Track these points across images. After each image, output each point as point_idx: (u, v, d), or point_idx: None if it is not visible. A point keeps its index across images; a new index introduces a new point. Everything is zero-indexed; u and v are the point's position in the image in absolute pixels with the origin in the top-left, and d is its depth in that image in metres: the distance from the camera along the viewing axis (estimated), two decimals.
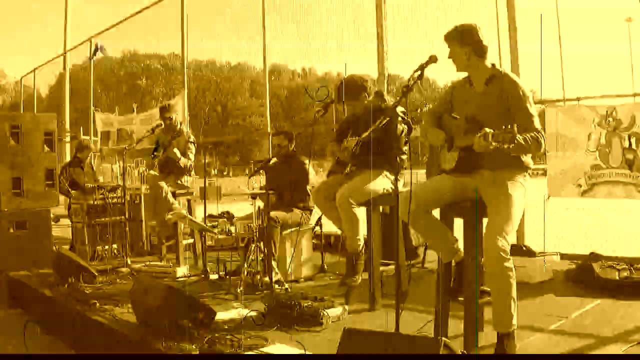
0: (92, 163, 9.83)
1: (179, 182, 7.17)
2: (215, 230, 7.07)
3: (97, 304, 4.75)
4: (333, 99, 5.00)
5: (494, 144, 3.07)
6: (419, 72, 3.35)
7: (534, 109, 3.47)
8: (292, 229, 5.80)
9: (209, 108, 52.01)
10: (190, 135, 7.41)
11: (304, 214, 5.96)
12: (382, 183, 4.71)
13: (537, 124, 3.44)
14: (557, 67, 6.17)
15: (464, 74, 3.78)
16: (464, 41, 3.59)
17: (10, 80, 59.08)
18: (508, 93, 3.47)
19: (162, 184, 6.90)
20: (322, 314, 4.14)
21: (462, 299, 3.57)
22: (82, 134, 14.52)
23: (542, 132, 3.40)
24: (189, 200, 7.29)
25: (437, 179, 3.73)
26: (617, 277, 4.81)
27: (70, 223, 8.43)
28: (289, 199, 6.01)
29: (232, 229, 8.05)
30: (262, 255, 5.44)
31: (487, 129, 3.12)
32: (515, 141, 3.04)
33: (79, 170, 8.74)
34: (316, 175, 6.39)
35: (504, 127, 3.03)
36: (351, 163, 4.82)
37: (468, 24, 3.66)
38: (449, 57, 3.67)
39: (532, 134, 3.32)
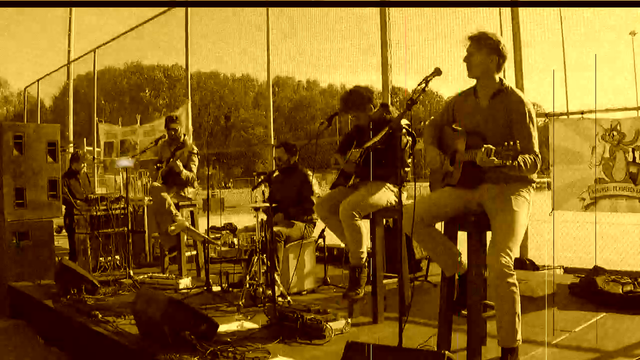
0: (98, 174, 9.87)
1: (182, 193, 7.17)
2: (218, 242, 7.05)
3: (99, 315, 4.75)
4: (338, 110, 4.99)
5: (496, 160, 3.06)
6: (424, 85, 3.33)
7: (535, 131, 3.45)
8: (295, 242, 5.79)
9: (212, 120, 52.10)
10: (193, 146, 7.42)
11: (307, 227, 5.96)
12: (385, 196, 4.69)
13: (536, 146, 3.43)
14: (561, 81, 6.17)
15: (467, 86, 3.76)
16: (495, 50, 3.51)
17: (14, 90, 59.44)
18: (513, 110, 3.45)
19: (165, 195, 6.90)
20: (324, 326, 4.12)
21: (465, 312, 3.56)
22: (85, 145, 14.57)
23: (540, 156, 3.40)
24: (192, 212, 7.30)
25: (441, 192, 3.71)
26: (621, 291, 4.78)
27: (66, 234, 8.46)
28: (292, 211, 6.01)
29: (235, 240, 8.04)
30: (264, 268, 5.43)
31: (490, 146, 3.11)
32: (518, 159, 3.03)
33: (74, 181, 8.79)
34: (319, 188, 6.37)
35: (506, 143, 3.02)
36: (355, 175, 4.81)
37: (496, 34, 3.59)
38: (468, 60, 3.58)
39: (532, 157, 3.32)
